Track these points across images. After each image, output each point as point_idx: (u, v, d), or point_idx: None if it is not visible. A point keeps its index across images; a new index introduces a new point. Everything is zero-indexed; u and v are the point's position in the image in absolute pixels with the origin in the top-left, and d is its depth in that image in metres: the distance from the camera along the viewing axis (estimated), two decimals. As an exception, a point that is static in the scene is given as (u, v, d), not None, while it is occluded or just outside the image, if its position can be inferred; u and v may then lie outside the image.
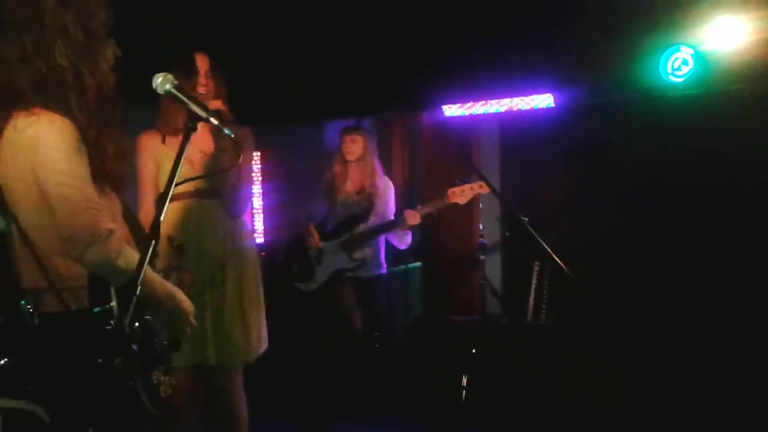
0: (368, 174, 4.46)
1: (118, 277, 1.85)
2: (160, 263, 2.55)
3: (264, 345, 3.17)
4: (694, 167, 4.56)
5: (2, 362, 3.01)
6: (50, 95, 1.88)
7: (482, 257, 4.58)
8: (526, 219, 3.16)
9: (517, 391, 4.43)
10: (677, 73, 4.34)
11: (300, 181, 5.23)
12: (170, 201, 3.11)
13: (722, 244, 4.50)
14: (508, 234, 4.83)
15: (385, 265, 4.55)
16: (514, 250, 5.22)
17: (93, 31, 1.95)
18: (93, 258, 1.81)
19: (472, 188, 4.12)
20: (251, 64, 3.34)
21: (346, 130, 4.51)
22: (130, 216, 2.20)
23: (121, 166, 2.02)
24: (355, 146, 4.45)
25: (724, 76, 4.28)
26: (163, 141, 3.08)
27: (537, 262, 4.95)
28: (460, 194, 4.13)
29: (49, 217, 1.84)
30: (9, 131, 1.87)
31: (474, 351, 4.52)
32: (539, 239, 3.06)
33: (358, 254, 4.37)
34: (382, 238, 4.48)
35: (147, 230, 1.83)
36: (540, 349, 4.62)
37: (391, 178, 5.60)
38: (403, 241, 4.45)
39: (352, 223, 4.40)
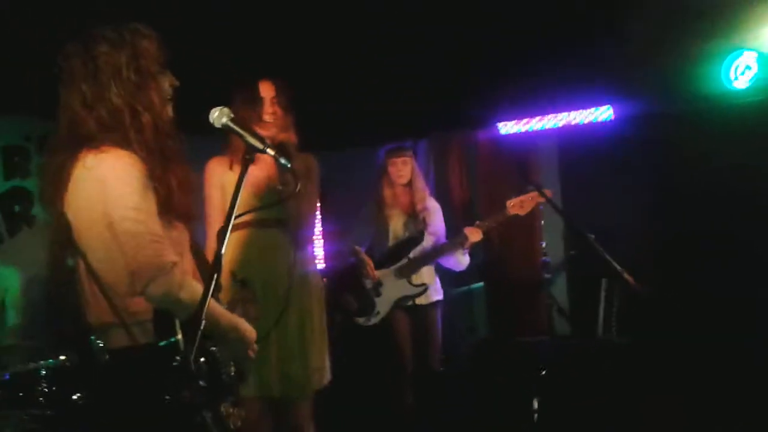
0: (419, 196, 4.31)
1: (182, 309, 1.86)
2: (223, 297, 2.56)
3: (327, 376, 3.13)
4: (761, 176, 4.37)
5: (75, 397, 3.09)
6: (115, 135, 1.93)
7: (547, 276, 4.46)
8: (593, 236, 3.07)
9: (590, 413, 4.28)
10: (741, 78, 4.18)
11: (357, 207, 5.20)
12: (234, 230, 3.12)
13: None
14: (573, 252, 4.69)
15: (441, 291, 4.39)
16: (580, 267, 5.09)
17: (145, 69, 2.00)
18: (156, 291, 1.83)
19: (531, 198, 4.01)
20: (307, 91, 3.37)
21: (395, 153, 4.33)
22: (196, 248, 2.22)
23: (188, 199, 2.04)
24: (405, 168, 4.30)
25: (789, 80, 4.10)
26: (231, 167, 3.08)
27: (604, 279, 4.81)
28: (520, 206, 4.02)
29: (117, 252, 1.87)
30: (79, 169, 1.92)
31: (543, 372, 4.38)
32: (607, 256, 2.97)
33: (417, 279, 4.24)
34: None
35: (210, 262, 1.85)
36: (612, 368, 4.46)
37: (449, 196, 5.53)
38: (462, 262, 4.30)
39: (408, 247, 4.26)
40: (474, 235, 4.09)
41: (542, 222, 4.85)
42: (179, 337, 1.85)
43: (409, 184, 4.32)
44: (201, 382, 1.86)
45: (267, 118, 3.02)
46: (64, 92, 1.99)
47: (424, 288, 4.23)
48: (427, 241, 4.27)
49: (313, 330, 3.09)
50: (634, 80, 4.51)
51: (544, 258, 4.51)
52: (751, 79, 4.15)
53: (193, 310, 1.79)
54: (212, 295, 1.94)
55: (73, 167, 1.93)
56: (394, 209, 4.34)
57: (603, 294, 4.79)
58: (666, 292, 4.37)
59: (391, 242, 4.33)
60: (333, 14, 3.71)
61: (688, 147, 4.60)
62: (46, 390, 3.15)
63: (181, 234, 2.05)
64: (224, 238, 1.82)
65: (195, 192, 2.10)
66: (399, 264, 4.22)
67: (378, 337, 4.28)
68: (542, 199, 3.99)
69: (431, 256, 4.23)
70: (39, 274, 3.73)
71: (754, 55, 4.12)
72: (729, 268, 4.45)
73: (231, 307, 2.44)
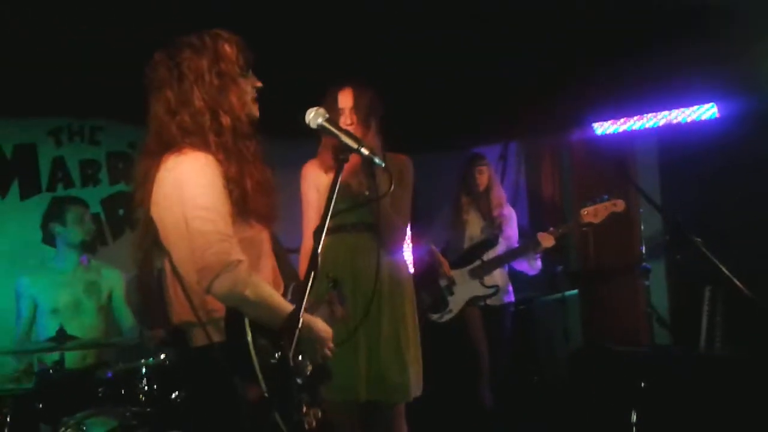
0: (496, 203, 4.50)
1: (249, 307, 1.89)
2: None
3: (420, 381, 3.09)
4: None
5: (173, 396, 3.18)
6: (195, 139, 2.00)
7: (647, 283, 4.29)
8: (699, 240, 2.91)
9: (693, 429, 4.06)
10: None
11: (434, 211, 5.16)
12: (330, 233, 3.13)
13: None
14: (678, 257, 4.48)
15: (512, 293, 4.52)
16: (681, 273, 4.85)
17: (226, 72, 2.05)
18: (221, 288, 1.86)
19: (605, 207, 4.05)
20: (400, 94, 3.36)
21: (474, 161, 4.55)
22: (278, 248, 2.24)
23: (266, 200, 2.07)
24: (482, 177, 4.51)
25: None
26: (325, 170, 3.10)
27: (708, 286, 4.57)
28: (594, 214, 4.06)
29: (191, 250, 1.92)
30: (161, 172, 2.00)
31: (643, 384, 4.20)
32: (716, 261, 2.80)
33: (490, 280, 4.34)
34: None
35: (305, 262, 1.84)
36: (716, 381, 4.22)
37: (540, 199, 5.47)
38: (534, 266, 4.40)
39: (482, 249, 4.41)
40: (546, 240, 4.16)
41: (641, 227, 4.65)
42: (249, 338, 1.86)
43: (487, 191, 4.52)
44: (299, 380, 1.86)
45: (344, 127, 3.01)
46: (152, 100, 2.08)
47: (495, 289, 4.36)
48: (501, 246, 4.43)
49: (408, 335, 3.05)
50: (739, 76, 4.27)
51: (644, 264, 4.34)
52: None
53: (262, 309, 1.86)
54: (293, 295, 1.96)
55: (157, 170, 2.01)
56: (470, 215, 4.54)
57: (706, 302, 4.56)
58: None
59: (467, 245, 4.50)
60: (424, 16, 3.68)
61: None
62: (146, 388, 3.27)
63: (258, 234, 2.08)
64: (320, 238, 1.83)
65: (274, 193, 2.12)
66: (473, 265, 4.37)
67: (453, 337, 4.39)
68: (618, 209, 4.04)
69: (504, 260, 4.37)
70: (140, 275, 3.88)
71: None
72: None
73: (315, 306, 2.42)
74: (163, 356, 3.29)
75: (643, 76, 4.35)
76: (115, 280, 4.05)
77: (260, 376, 1.80)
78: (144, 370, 3.30)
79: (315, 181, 3.10)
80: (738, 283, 2.82)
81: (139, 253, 2.11)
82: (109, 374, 3.38)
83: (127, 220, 4.88)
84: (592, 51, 4.21)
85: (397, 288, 3.09)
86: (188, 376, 2.09)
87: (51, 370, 3.35)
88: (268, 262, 2.14)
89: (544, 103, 4.75)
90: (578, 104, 4.77)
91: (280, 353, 1.89)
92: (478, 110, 4.96)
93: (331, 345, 2.08)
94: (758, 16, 3.81)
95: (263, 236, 2.11)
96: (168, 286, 2.07)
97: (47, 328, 3.70)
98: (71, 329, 3.42)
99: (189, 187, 1.93)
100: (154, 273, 2.13)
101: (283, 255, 2.27)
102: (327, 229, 3.14)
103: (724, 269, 2.83)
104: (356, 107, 3.03)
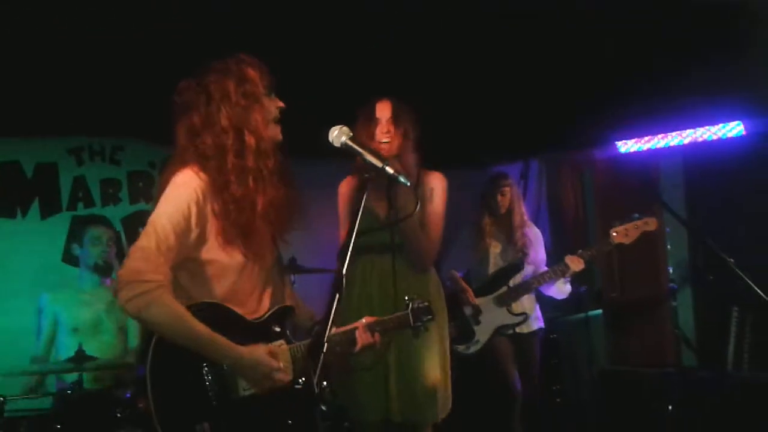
0: (518, 223, 4.29)
1: (147, 324, 1.96)
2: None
3: (449, 403, 3.02)
4: None
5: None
6: (210, 162, 2.04)
7: (674, 303, 4.18)
8: (732, 260, 2.84)
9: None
10: None
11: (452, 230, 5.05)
12: (359, 255, 3.07)
13: None
14: (711, 278, 4.36)
15: (542, 319, 4.32)
16: (708, 294, 4.76)
17: (251, 92, 2.10)
18: (120, 299, 1.91)
19: (636, 226, 3.89)
20: (420, 110, 3.34)
21: (496, 182, 4.34)
22: (279, 271, 2.27)
23: (279, 217, 2.11)
24: (504, 199, 4.31)
25: None
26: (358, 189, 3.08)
27: (735, 307, 4.47)
28: (624, 234, 3.90)
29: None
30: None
31: (670, 407, 4.10)
32: (749, 281, 2.73)
33: (518, 308, 4.16)
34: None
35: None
36: (745, 404, 4.12)
37: (562, 218, 5.32)
38: (563, 290, 4.21)
39: (507, 275, 4.21)
40: (575, 264, 3.99)
41: (668, 246, 4.57)
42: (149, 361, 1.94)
43: (509, 213, 4.32)
44: (323, 407, 1.82)
45: (382, 137, 2.99)
46: (178, 124, 2.12)
47: (524, 317, 4.16)
48: (527, 270, 4.24)
49: (436, 354, 2.99)
50: (765, 94, 4.20)
51: (671, 284, 4.24)
52: None
53: (165, 330, 1.92)
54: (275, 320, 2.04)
55: (167, 185, 2.07)
56: (493, 237, 4.34)
57: (734, 323, 4.47)
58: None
59: (491, 270, 4.30)
60: (444, 33, 3.66)
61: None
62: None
63: (243, 259, 2.06)
64: (345, 260, 1.79)
65: (288, 209, 2.15)
66: (499, 292, 4.17)
67: (481, 369, 4.19)
68: (650, 228, 3.88)
69: (531, 285, 4.16)
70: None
71: None
72: None
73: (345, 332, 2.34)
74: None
75: (668, 93, 4.28)
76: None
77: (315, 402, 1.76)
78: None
79: (350, 199, 3.09)
80: (771, 304, 2.74)
81: None
82: (128, 395, 3.34)
83: (146, 239, 4.86)
84: (616, 68, 4.16)
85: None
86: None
87: (69, 391, 3.33)
88: (257, 287, 2.14)
89: (567, 121, 4.69)
90: (602, 122, 4.71)
91: (304, 379, 1.85)
92: (498, 127, 4.90)
93: (277, 376, 2.01)
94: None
95: (256, 262, 2.10)
96: None
97: (67, 346, 3.68)
98: (90, 348, 3.39)
99: (160, 200, 2.01)
100: None
101: (280, 279, 2.26)
102: (354, 250, 3.13)
103: (757, 289, 2.76)
104: (394, 118, 3.03)
